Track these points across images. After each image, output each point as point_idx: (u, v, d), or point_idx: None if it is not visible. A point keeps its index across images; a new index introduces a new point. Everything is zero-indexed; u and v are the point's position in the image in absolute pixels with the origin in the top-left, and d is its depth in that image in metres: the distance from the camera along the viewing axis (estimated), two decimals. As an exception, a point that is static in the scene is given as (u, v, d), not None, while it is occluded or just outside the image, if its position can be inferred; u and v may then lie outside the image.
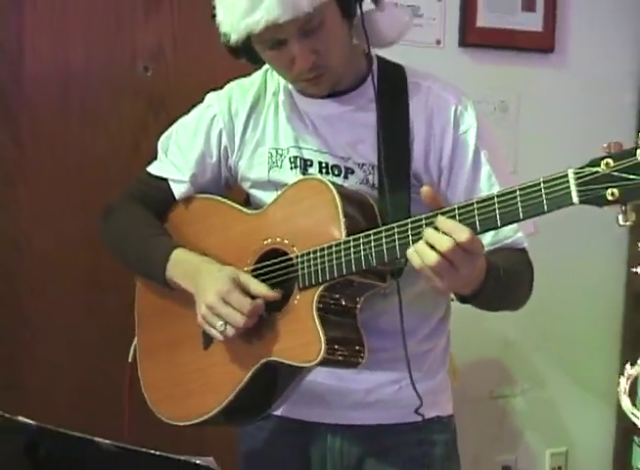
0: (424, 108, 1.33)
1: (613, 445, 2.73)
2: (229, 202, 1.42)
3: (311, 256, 1.24)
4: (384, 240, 1.16)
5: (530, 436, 2.64)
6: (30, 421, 1.05)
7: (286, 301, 1.27)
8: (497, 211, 1.05)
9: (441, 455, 1.44)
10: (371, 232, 1.18)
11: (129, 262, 1.48)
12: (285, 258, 1.29)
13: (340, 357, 1.24)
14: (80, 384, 2.18)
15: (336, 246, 1.22)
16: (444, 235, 1.07)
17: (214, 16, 1.26)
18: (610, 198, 0.95)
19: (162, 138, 1.51)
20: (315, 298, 1.24)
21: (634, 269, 1.56)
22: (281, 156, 1.38)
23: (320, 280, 1.23)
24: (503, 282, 1.22)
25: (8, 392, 2.08)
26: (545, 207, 1.00)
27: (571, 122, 2.54)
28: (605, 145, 0.97)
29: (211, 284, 1.28)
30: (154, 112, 2.20)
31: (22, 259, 2.17)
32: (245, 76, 1.46)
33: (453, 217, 1.08)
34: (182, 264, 1.36)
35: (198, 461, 1.00)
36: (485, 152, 1.33)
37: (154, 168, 1.50)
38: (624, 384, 1.23)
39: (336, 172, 1.35)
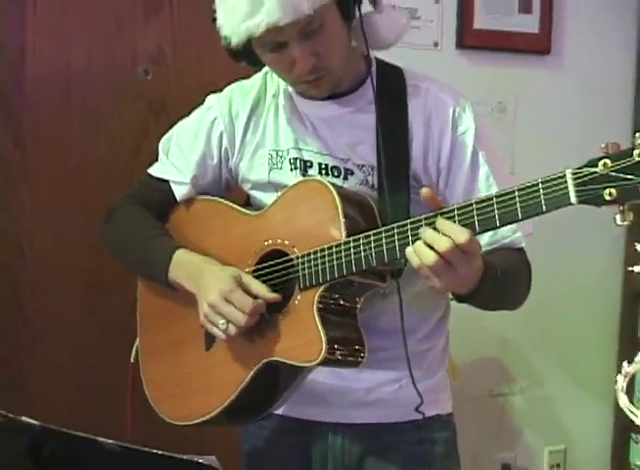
0: (422, 109, 1.34)
1: (611, 442, 2.73)
2: (230, 203, 1.43)
3: (312, 256, 1.25)
4: (383, 240, 1.17)
5: (529, 434, 2.64)
6: (34, 421, 1.04)
7: (287, 301, 1.28)
8: (496, 212, 1.05)
9: (441, 453, 1.44)
10: (371, 233, 1.19)
11: (131, 264, 1.49)
12: (285, 258, 1.30)
13: (340, 357, 1.25)
14: (82, 384, 2.18)
15: (336, 246, 1.22)
16: (443, 236, 1.08)
17: (215, 19, 1.26)
18: (608, 198, 0.96)
19: (163, 140, 1.51)
20: (316, 298, 1.24)
21: (631, 268, 1.57)
22: (281, 157, 1.39)
23: (320, 280, 1.24)
24: (500, 282, 1.23)
25: (10, 392, 2.08)
26: (544, 207, 1.01)
27: (568, 123, 2.54)
28: (602, 145, 0.97)
29: (214, 283, 1.28)
30: (154, 114, 2.20)
31: (23, 260, 2.16)
32: (245, 79, 1.47)
33: (452, 218, 1.09)
34: (184, 265, 1.37)
35: (200, 460, 1.01)
36: (483, 153, 1.33)
37: (155, 170, 1.50)
38: (622, 382, 1.23)
39: (335, 174, 1.36)
